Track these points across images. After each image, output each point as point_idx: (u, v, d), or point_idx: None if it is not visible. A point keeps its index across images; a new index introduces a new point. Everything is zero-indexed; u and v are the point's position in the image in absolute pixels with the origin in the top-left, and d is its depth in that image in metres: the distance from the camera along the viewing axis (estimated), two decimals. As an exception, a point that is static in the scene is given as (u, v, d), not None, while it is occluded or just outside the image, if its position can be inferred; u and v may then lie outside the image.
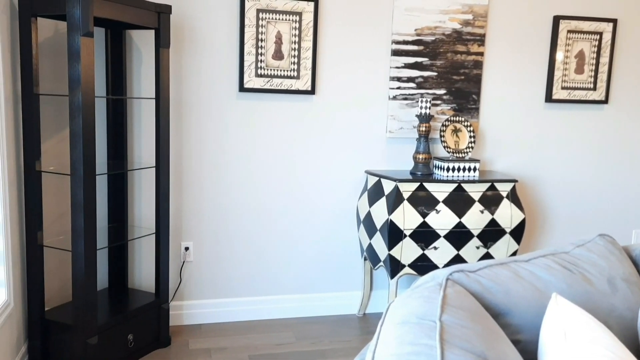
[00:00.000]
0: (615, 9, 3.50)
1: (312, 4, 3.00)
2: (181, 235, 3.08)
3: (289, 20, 2.99)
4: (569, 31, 3.41)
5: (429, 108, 3.08)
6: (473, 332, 1.07)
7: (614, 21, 3.45)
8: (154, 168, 2.91)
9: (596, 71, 3.49)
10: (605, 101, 3.54)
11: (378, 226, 2.97)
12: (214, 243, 3.13)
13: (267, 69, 3.00)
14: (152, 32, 2.86)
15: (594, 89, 3.51)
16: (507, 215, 3.02)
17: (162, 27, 2.60)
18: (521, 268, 1.44)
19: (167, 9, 2.60)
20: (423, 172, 3.11)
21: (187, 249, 3.09)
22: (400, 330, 1.08)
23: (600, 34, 3.45)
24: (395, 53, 3.18)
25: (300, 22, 3.01)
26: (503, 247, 3.04)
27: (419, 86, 3.25)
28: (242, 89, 2.99)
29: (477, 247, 3.00)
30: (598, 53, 3.47)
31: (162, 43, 2.61)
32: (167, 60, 2.66)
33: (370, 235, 3.07)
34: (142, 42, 2.88)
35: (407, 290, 1.32)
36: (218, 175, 3.08)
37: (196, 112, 3.00)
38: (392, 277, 2.94)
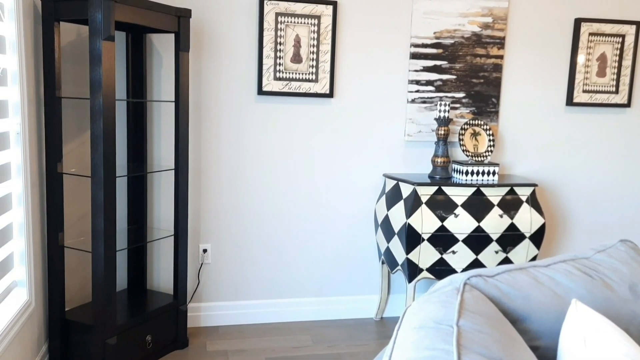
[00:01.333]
0: (638, 11, 3.43)
1: (330, 7, 3.01)
2: (199, 238, 3.10)
3: (308, 23, 3.00)
4: (591, 34, 3.36)
5: (448, 111, 3.06)
6: (491, 337, 1.06)
7: (637, 23, 3.39)
8: (173, 170, 2.95)
9: (618, 74, 3.43)
10: (628, 105, 3.48)
11: (396, 230, 2.95)
12: (231, 245, 3.15)
13: (286, 72, 3.02)
14: (172, 35, 2.90)
15: (616, 92, 3.45)
16: (526, 219, 2.98)
17: (182, 31, 2.63)
18: (540, 273, 1.42)
19: (187, 13, 2.63)
20: (441, 175, 3.09)
21: (205, 251, 3.11)
22: (417, 334, 1.07)
23: (623, 36, 3.40)
24: (414, 56, 3.17)
25: (318, 25, 3.01)
26: (523, 251, 3.01)
27: (438, 89, 3.23)
28: (260, 92, 3.00)
29: (496, 252, 2.96)
30: (620, 56, 3.41)
31: (182, 47, 2.64)
32: (187, 63, 2.68)
33: (388, 239, 3.05)
34: (162, 46, 2.91)
35: (424, 294, 1.31)
36: (236, 178, 3.10)
37: (215, 115, 3.03)
38: (410, 281, 2.92)
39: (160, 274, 3.08)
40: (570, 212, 3.56)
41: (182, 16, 2.61)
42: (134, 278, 2.98)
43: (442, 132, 3.08)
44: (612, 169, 3.57)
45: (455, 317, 1.12)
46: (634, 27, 3.39)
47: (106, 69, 2.26)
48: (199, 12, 2.92)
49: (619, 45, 3.40)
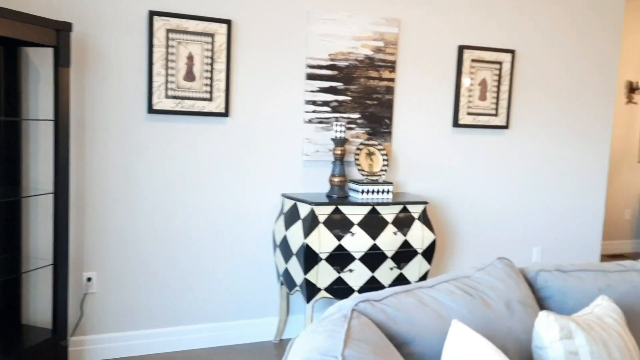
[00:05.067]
0: (513, 41, 3.74)
1: (225, 25, 2.96)
2: (83, 266, 2.88)
3: (201, 41, 2.93)
4: (473, 60, 3.60)
5: (344, 132, 3.12)
6: (374, 366, 1.06)
7: (512, 52, 3.69)
8: (52, 194, 2.72)
9: (497, 98, 3.70)
10: (506, 126, 3.76)
11: (294, 250, 2.94)
12: (119, 273, 2.96)
13: (178, 90, 2.91)
14: (51, 50, 2.69)
15: (496, 114, 3.72)
16: (418, 236, 3.10)
17: (62, 45, 2.45)
18: (425, 294, 1.46)
19: (67, 27, 2.46)
20: (339, 194, 3.13)
21: (89, 279, 2.89)
22: (301, 369, 1.04)
23: (501, 63, 3.68)
24: (310, 77, 3.20)
25: (212, 43, 2.95)
26: (415, 267, 3.11)
27: (334, 110, 3.29)
28: (151, 110, 2.87)
29: (391, 269, 3.04)
30: (499, 81, 3.69)
31: (61, 62, 2.46)
32: (67, 80, 2.50)
33: (287, 260, 3.03)
34: (40, 61, 2.70)
35: (313, 323, 1.29)
36: (125, 201, 2.93)
37: (101, 134, 2.85)
38: (308, 301, 2.91)
39: (38, 307, 2.82)
40: (458, 227, 3.76)
41: (62, 30, 2.44)
42: (7, 312, 2.69)
43: (339, 152, 3.13)
44: (495, 186, 3.83)
45: (341, 347, 1.11)
46: (510, 55, 3.69)
47: (-30, 85, 2.04)
48: (82, 26, 2.75)
49: (498, 72, 3.68)
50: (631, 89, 5.62)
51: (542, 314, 1.34)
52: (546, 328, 1.32)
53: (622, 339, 1.40)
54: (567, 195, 4.07)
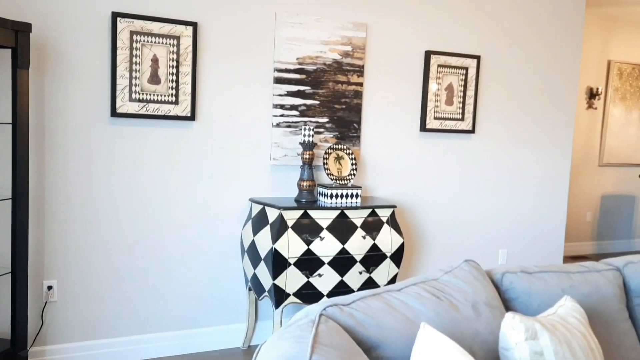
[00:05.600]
0: (478, 47, 3.81)
1: (190, 28, 2.92)
2: (43, 274, 2.79)
3: (166, 43, 2.88)
4: (439, 65, 3.65)
5: (312, 136, 3.11)
6: (342, 372, 1.05)
7: (478, 57, 3.76)
8: (10, 200, 2.62)
9: (464, 103, 3.76)
10: (472, 131, 3.82)
11: (262, 255, 2.91)
12: (82, 280, 2.87)
13: (143, 94, 2.85)
14: (9, 51, 2.60)
15: (462, 119, 3.77)
16: (387, 240, 3.11)
17: (21, 46, 2.37)
18: (393, 298, 1.46)
19: (27, 28, 2.38)
20: (308, 199, 3.11)
21: (50, 288, 2.80)
22: (268, 376, 1.02)
23: (467, 69, 3.73)
24: (278, 81, 3.19)
25: (178, 46, 2.90)
26: (384, 271, 3.12)
27: (302, 114, 3.28)
28: (114, 114, 2.81)
29: (360, 273, 3.04)
30: (465, 86, 3.75)
31: (20, 64, 2.38)
32: (27, 82, 2.42)
33: (255, 265, 2.99)
34: (-3, 61, 2.60)
35: (280, 329, 1.27)
36: (87, 207, 2.84)
37: (61, 138, 2.76)
38: (277, 307, 2.88)
39: (-4, 318, 2.71)
40: (426, 230, 3.80)
41: (21, 30, 2.36)
42: (-38, 325, 2.58)
43: (307, 156, 3.12)
44: (461, 189, 3.88)
45: (309, 353, 1.10)
46: (475, 60, 3.75)
47: None
48: (42, 26, 2.66)
49: (464, 77, 3.73)
50: (591, 94, 5.80)
51: (508, 316, 1.36)
52: (512, 329, 1.33)
53: (585, 339, 1.42)
54: (531, 198, 4.16)
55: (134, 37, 2.80)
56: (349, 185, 3.19)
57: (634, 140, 6.11)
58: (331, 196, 3.09)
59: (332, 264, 2.95)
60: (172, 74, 2.90)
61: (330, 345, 1.14)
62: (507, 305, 1.69)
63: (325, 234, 2.94)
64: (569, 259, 5.69)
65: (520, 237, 4.15)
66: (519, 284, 1.71)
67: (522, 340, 1.32)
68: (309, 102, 3.28)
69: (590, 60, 5.74)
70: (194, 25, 2.92)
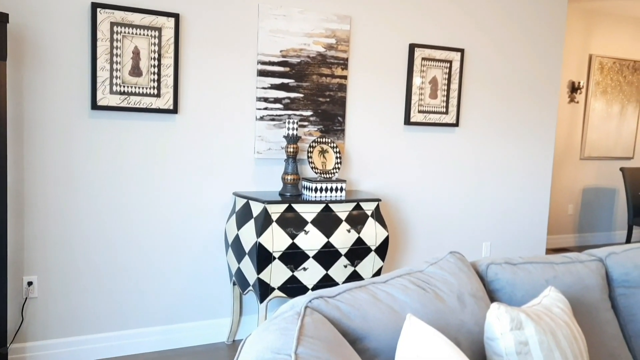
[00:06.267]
0: (462, 40, 3.81)
1: (172, 19, 2.88)
2: (23, 269, 2.73)
3: (148, 35, 2.83)
4: (424, 58, 3.65)
5: (296, 129, 3.09)
6: (328, 364, 1.03)
7: (462, 51, 3.76)
8: (-12, 195, 2.56)
9: (448, 96, 3.77)
10: (456, 124, 3.83)
11: (247, 249, 2.89)
12: (62, 276, 2.82)
13: (124, 86, 2.81)
14: (-14, 41, 2.53)
15: (447, 112, 3.78)
16: (372, 233, 3.11)
17: (-3, 36, 2.31)
18: (379, 290, 1.45)
19: (4, 18, 2.32)
20: (292, 193, 3.09)
21: (30, 283, 2.74)
22: (253, 369, 1.01)
23: (450, 62, 3.74)
24: (262, 73, 3.16)
25: (159, 37, 2.86)
26: (369, 264, 3.12)
27: (286, 107, 3.25)
28: (95, 106, 2.75)
29: (345, 266, 3.04)
30: (449, 80, 3.75)
31: (-4, 54, 2.31)
32: (4, 74, 2.36)
33: (239, 259, 2.97)
34: (-27, 52, 2.53)
35: (266, 321, 1.26)
36: (67, 201, 2.79)
37: (40, 131, 2.70)
38: (262, 301, 2.86)
39: (-26, 315, 2.65)
40: (410, 223, 3.81)
41: (-4, 19, 2.30)
42: (-62, 323, 2.52)
43: (291, 150, 3.10)
44: (445, 182, 3.90)
45: (294, 345, 1.08)
46: (459, 54, 3.76)
47: None
48: (19, 17, 2.60)
49: (448, 70, 3.74)
50: (573, 88, 5.86)
51: (493, 306, 1.36)
52: (497, 320, 1.34)
53: (569, 328, 1.43)
54: (514, 191, 4.19)
55: (115, 28, 2.75)
56: (334, 178, 3.18)
57: (614, 133, 6.20)
58: (316, 190, 3.08)
59: (316, 257, 2.94)
60: (154, 66, 2.86)
61: (315, 337, 1.13)
62: (492, 296, 1.69)
63: (309, 227, 2.93)
64: (551, 251, 5.76)
65: (503, 230, 4.18)
66: (504, 275, 1.71)
67: (508, 330, 1.32)
68: (292, 95, 3.26)
69: (572, 54, 5.79)
70: (176, 16, 2.88)
